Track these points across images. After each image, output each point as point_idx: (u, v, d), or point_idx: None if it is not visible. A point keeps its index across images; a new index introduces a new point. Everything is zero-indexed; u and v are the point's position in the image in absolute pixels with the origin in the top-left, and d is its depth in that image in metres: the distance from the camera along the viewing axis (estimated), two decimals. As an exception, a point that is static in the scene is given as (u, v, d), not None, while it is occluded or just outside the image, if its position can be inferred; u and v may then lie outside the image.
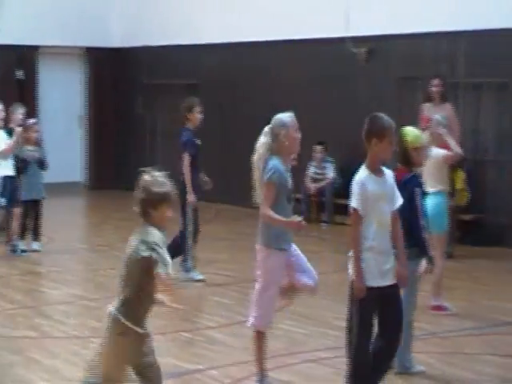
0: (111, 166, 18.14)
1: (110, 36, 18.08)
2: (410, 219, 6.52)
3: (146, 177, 4.90)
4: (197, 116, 9.84)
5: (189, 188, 9.66)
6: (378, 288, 5.71)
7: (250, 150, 6.27)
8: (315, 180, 14.34)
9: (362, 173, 5.78)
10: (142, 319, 4.92)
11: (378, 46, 13.62)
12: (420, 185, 6.68)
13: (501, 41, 12.10)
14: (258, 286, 6.27)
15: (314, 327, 8.08)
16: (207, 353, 7.36)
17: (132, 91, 18.02)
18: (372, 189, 5.72)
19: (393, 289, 5.82)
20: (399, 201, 5.93)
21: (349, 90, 14.14)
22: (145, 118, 17.88)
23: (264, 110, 15.11)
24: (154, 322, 8.19)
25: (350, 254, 5.80)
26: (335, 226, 13.78)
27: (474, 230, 12.10)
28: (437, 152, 8.53)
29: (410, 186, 6.54)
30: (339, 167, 14.22)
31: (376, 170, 5.79)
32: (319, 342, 7.61)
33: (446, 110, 11.25)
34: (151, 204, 4.84)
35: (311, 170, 14.38)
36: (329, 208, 14.07)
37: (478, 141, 11.85)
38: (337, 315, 8.23)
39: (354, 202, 5.73)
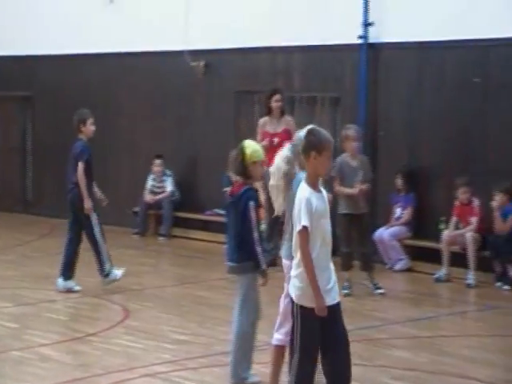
0: None
1: None
2: (242, 232, 6.57)
3: None
4: (90, 128, 10.02)
5: (85, 194, 9.78)
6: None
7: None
8: (153, 193, 14.25)
9: (305, 190, 5.57)
10: None
11: (215, 59, 13.70)
12: (255, 198, 6.66)
13: (334, 56, 12.43)
14: None
15: (150, 341, 7.97)
16: (39, 371, 7.14)
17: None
18: (316, 205, 5.53)
19: (338, 305, 5.61)
20: None
21: (186, 103, 14.15)
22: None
23: (100, 123, 14.95)
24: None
25: (293, 273, 5.58)
26: (173, 240, 13.75)
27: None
28: None
29: (244, 198, 6.57)
30: (177, 180, 14.21)
31: (315, 187, 5.61)
32: (156, 356, 7.52)
33: (286, 123, 11.49)
34: None
35: (150, 183, 14.29)
36: (167, 221, 14.02)
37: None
38: (174, 329, 8.17)
39: (303, 220, 5.49)
